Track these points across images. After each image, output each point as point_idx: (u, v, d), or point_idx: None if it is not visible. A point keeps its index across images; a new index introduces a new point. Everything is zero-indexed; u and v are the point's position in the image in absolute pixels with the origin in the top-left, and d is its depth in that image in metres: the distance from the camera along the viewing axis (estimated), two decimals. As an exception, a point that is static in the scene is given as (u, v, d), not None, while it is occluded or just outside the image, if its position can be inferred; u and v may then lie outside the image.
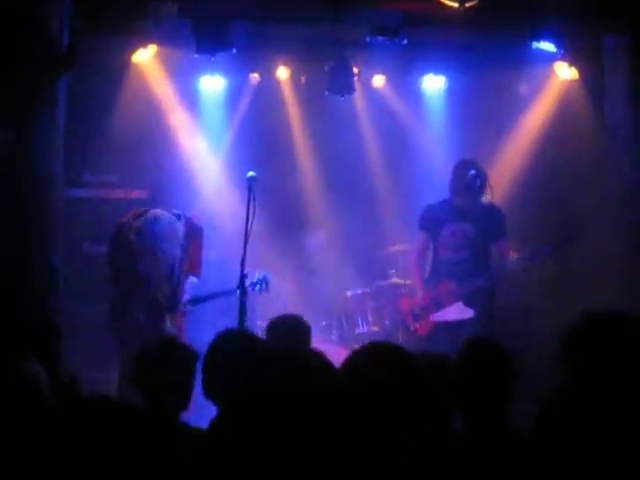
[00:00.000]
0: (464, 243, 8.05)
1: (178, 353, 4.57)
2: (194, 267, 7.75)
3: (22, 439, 2.57)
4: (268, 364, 2.85)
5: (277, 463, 2.66)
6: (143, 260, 7.38)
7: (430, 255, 8.27)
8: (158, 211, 7.54)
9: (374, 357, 2.91)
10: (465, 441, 3.64)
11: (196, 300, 7.74)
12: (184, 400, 4.46)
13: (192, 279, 7.74)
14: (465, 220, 8.04)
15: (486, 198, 7.81)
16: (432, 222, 8.19)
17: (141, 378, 4.44)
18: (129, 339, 7.10)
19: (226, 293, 7.55)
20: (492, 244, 7.90)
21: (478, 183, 7.88)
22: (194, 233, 7.73)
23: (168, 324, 7.42)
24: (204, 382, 4.24)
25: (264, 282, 7.80)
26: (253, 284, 7.65)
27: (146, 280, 7.37)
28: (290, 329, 5.47)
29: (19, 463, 2.69)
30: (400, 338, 8.30)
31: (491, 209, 7.87)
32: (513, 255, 7.93)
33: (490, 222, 7.86)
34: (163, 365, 4.44)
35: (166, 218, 7.52)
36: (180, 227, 7.55)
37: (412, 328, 8.08)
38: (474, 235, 8.00)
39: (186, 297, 7.65)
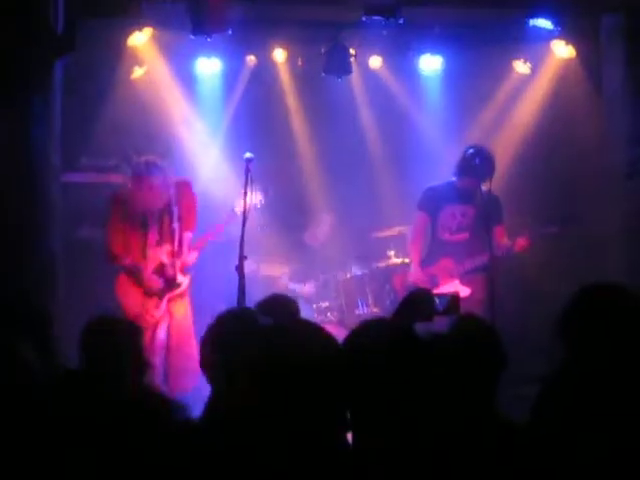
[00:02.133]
0: (463, 225, 8.07)
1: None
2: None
3: (17, 423, 2.55)
4: (265, 339, 2.81)
5: (273, 446, 2.63)
6: None
7: (428, 236, 8.27)
8: None
9: (375, 332, 2.89)
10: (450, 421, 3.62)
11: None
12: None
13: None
14: (466, 202, 8.06)
15: (485, 186, 7.75)
16: (432, 203, 8.20)
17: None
18: None
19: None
20: (491, 228, 7.83)
21: (486, 169, 7.84)
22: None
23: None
24: (201, 360, 4.24)
25: None
26: None
27: None
28: (279, 309, 5.45)
29: (14, 449, 2.68)
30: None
31: (491, 197, 7.79)
32: (506, 241, 7.92)
33: (490, 207, 7.81)
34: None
35: None
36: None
37: None
38: (474, 217, 8.01)
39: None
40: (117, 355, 4.52)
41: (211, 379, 4.15)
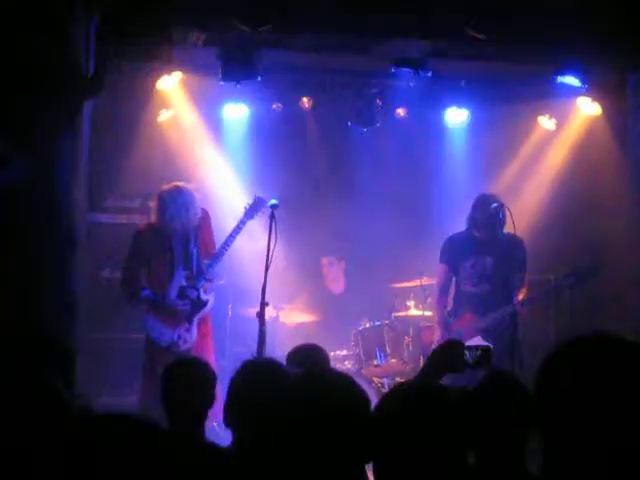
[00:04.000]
0: (484, 276, 8.04)
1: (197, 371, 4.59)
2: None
3: (48, 455, 2.54)
4: (291, 393, 2.80)
5: None
6: None
7: (453, 288, 8.27)
8: None
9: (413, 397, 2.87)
10: (478, 476, 3.59)
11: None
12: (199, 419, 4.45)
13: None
14: (485, 253, 8.05)
15: (508, 229, 7.77)
16: (453, 255, 8.20)
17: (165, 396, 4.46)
18: None
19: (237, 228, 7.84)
20: (513, 276, 7.82)
21: (499, 217, 7.86)
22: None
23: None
24: (225, 411, 4.21)
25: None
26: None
27: None
28: (309, 358, 5.44)
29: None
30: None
31: (513, 241, 7.78)
32: (523, 292, 7.90)
33: (511, 254, 7.81)
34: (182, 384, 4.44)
35: None
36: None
37: None
38: (494, 268, 8.00)
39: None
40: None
41: (238, 432, 4.11)
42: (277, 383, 3.97)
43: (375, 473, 2.80)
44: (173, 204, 7.71)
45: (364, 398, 2.74)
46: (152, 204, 7.99)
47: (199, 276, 7.75)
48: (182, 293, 7.71)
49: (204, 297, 7.80)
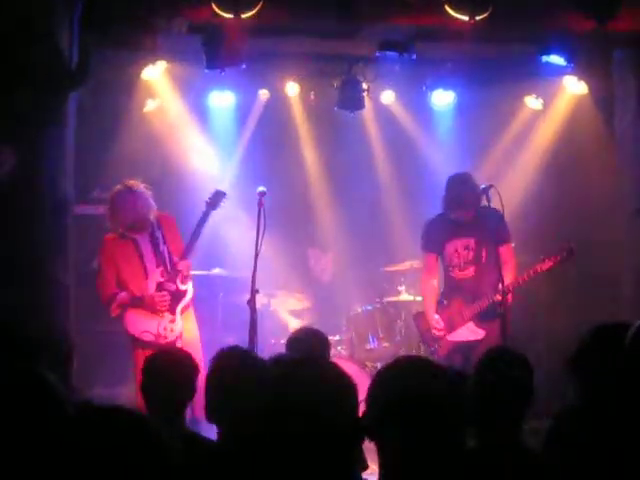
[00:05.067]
0: (469, 259, 7.93)
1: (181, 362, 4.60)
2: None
3: (44, 450, 2.53)
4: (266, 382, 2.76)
5: None
6: None
7: (441, 272, 8.19)
8: None
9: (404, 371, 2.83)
10: (478, 456, 3.60)
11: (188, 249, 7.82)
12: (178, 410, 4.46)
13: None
14: (464, 234, 7.89)
15: (489, 204, 7.56)
16: (434, 241, 8.05)
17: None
18: None
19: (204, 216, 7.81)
20: (498, 251, 7.65)
21: (470, 197, 7.73)
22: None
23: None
24: (205, 402, 4.22)
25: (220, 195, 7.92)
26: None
27: None
28: (310, 342, 5.46)
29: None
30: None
31: (491, 215, 7.54)
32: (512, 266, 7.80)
33: (491, 228, 7.65)
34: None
35: None
36: None
37: (432, 349, 8.01)
38: (478, 249, 7.86)
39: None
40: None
41: (217, 422, 4.12)
42: (250, 372, 3.98)
43: (379, 458, 2.76)
44: (123, 205, 7.70)
45: (344, 384, 2.68)
46: (105, 209, 7.95)
47: (175, 272, 7.74)
48: (160, 288, 7.70)
49: (182, 287, 7.77)
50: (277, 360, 3.99)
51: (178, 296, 7.74)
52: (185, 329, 7.72)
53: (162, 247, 7.80)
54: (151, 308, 7.64)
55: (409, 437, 2.64)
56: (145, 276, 7.72)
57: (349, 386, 2.67)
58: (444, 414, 2.65)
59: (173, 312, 7.69)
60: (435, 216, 8.12)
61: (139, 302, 7.65)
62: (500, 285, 7.17)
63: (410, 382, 2.70)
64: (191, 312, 7.85)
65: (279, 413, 2.54)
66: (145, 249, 7.76)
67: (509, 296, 7.39)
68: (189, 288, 7.81)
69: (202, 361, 6.40)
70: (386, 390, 2.72)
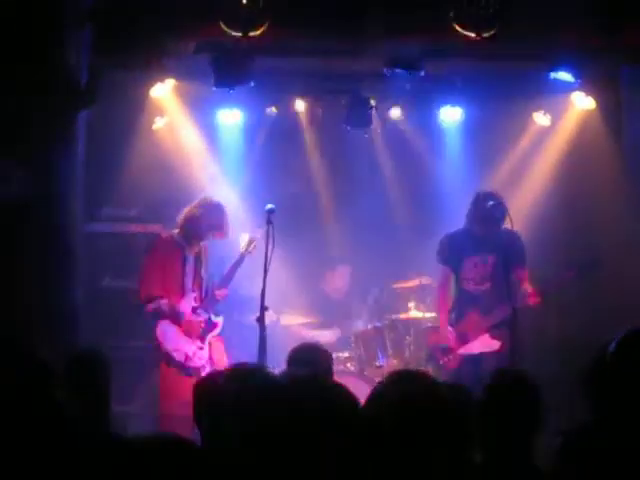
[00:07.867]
0: (487, 274, 8.01)
1: None
2: None
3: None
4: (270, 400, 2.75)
5: None
6: None
7: (453, 287, 8.24)
8: None
9: (402, 386, 2.82)
10: (485, 473, 3.59)
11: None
12: None
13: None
14: (484, 250, 8.02)
15: (506, 226, 7.74)
16: (452, 255, 8.16)
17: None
18: None
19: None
20: (511, 271, 7.77)
21: (498, 214, 7.83)
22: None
23: None
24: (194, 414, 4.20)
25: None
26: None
27: None
28: (311, 358, 5.43)
29: None
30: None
31: (511, 236, 7.80)
32: (527, 287, 7.86)
33: (509, 249, 7.78)
34: None
35: None
36: None
37: (441, 362, 8.03)
38: (495, 265, 7.97)
39: None
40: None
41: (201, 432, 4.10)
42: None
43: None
44: (210, 216, 7.79)
45: (341, 400, 2.67)
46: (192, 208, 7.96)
47: (210, 304, 7.78)
48: (194, 312, 7.70)
49: (215, 319, 7.83)
50: (290, 377, 3.97)
51: (211, 326, 7.74)
52: (217, 359, 7.70)
53: (203, 272, 7.82)
54: (186, 329, 7.64)
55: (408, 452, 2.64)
56: (181, 294, 7.70)
57: (349, 404, 2.68)
58: (443, 429, 2.65)
59: (203, 340, 7.68)
60: (457, 230, 8.23)
61: (177, 318, 7.64)
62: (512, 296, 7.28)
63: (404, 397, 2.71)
64: (220, 344, 7.84)
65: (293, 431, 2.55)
66: (189, 267, 7.75)
67: (538, 299, 7.54)
68: (220, 321, 7.82)
69: None
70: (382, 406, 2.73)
